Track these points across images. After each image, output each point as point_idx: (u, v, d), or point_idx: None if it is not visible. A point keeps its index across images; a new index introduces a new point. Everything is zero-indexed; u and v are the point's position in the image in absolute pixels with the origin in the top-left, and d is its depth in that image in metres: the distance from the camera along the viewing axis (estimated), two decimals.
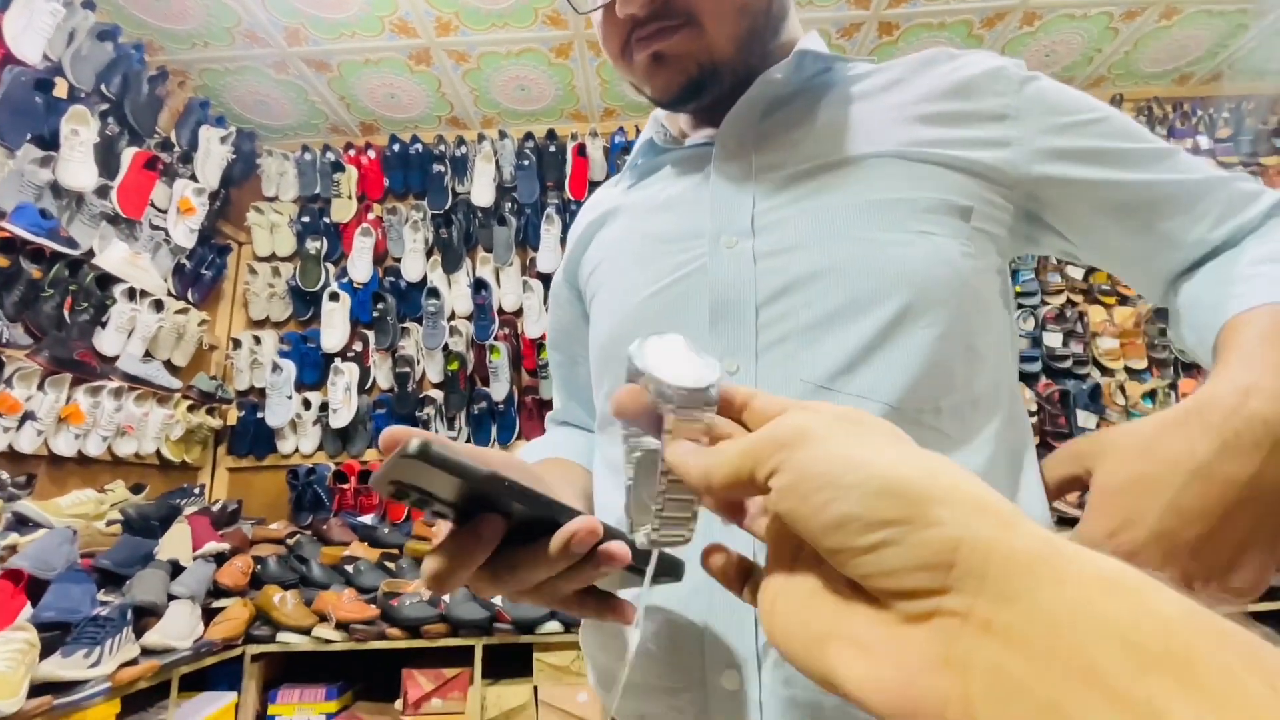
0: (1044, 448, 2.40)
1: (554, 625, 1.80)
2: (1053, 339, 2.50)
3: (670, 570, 0.35)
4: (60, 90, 1.88)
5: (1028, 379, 2.49)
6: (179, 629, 1.65)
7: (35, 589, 1.47)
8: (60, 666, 1.35)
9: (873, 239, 0.45)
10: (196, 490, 2.27)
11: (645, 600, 0.31)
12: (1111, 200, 0.48)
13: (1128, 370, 2.52)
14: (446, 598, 1.83)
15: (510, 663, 1.87)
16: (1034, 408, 2.43)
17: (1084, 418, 2.40)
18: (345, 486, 2.44)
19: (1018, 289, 2.49)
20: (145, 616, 1.62)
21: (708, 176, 0.52)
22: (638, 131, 2.77)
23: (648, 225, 0.55)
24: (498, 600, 1.83)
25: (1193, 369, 2.49)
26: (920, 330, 0.44)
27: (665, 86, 0.52)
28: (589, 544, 0.30)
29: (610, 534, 0.31)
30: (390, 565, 2.06)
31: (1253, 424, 0.34)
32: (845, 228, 0.46)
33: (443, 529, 0.32)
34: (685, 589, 0.40)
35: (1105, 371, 2.54)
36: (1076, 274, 2.58)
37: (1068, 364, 2.48)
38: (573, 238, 0.65)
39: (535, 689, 1.81)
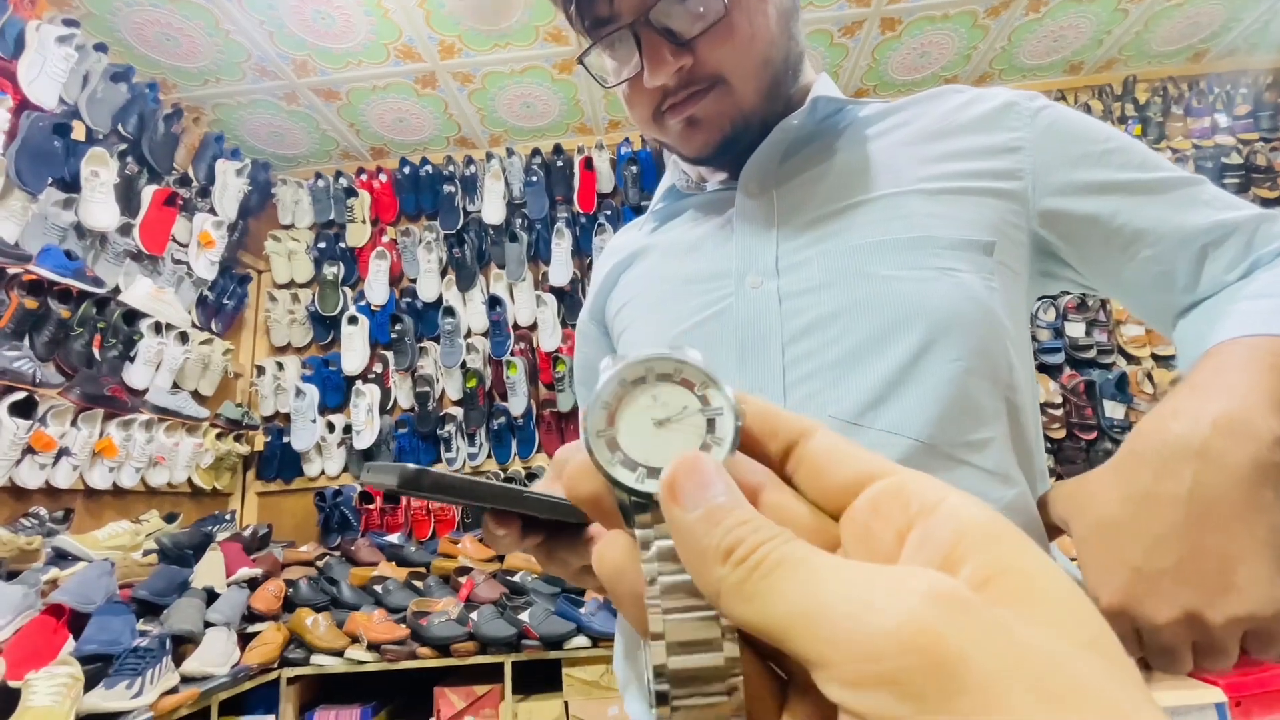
0: (1070, 440, 2.36)
1: (581, 640, 1.80)
2: (1075, 329, 2.46)
3: None
4: (78, 133, 1.93)
5: (1051, 370, 2.45)
6: (216, 655, 1.68)
7: (76, 622, 1.51)
8: (104, 699, 1.39)
9: (894, 276, 0.46)
10: (228, 516, 2.32)
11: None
12: (1125, 235, 0.48)
13: (1154, 357, 2.46)
14: (474, 616, 1.84)
15: (540, 678, 1.88)
16: (1058, 399, 2.38)
17: (1111, 408, 2.35)
18: (371, 507, 2.48)
19: None
20: (183, 644, 1.66)
21: (730, 219, 0.54)
22: (643, 142, 2.77)
23: (673, 266, 0.57)
24: (525, 618, 1.84)
25: None
26: (945, 364, 0.44)
27: (702, 147, 0.53)
28: None
29: None
30: (418, 584, 2.08)
31: (1174, 444, 0.35)
32: (867, 266, 0.47)
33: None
34: None
35: (1131, 359, 2.48)
36: None
37: (1092, 354, 2.43)
38: (598, 278, 0.66)
39: (565, 704, 1.82)
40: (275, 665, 1.83)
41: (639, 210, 2.67)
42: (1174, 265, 0.47)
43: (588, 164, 2.71)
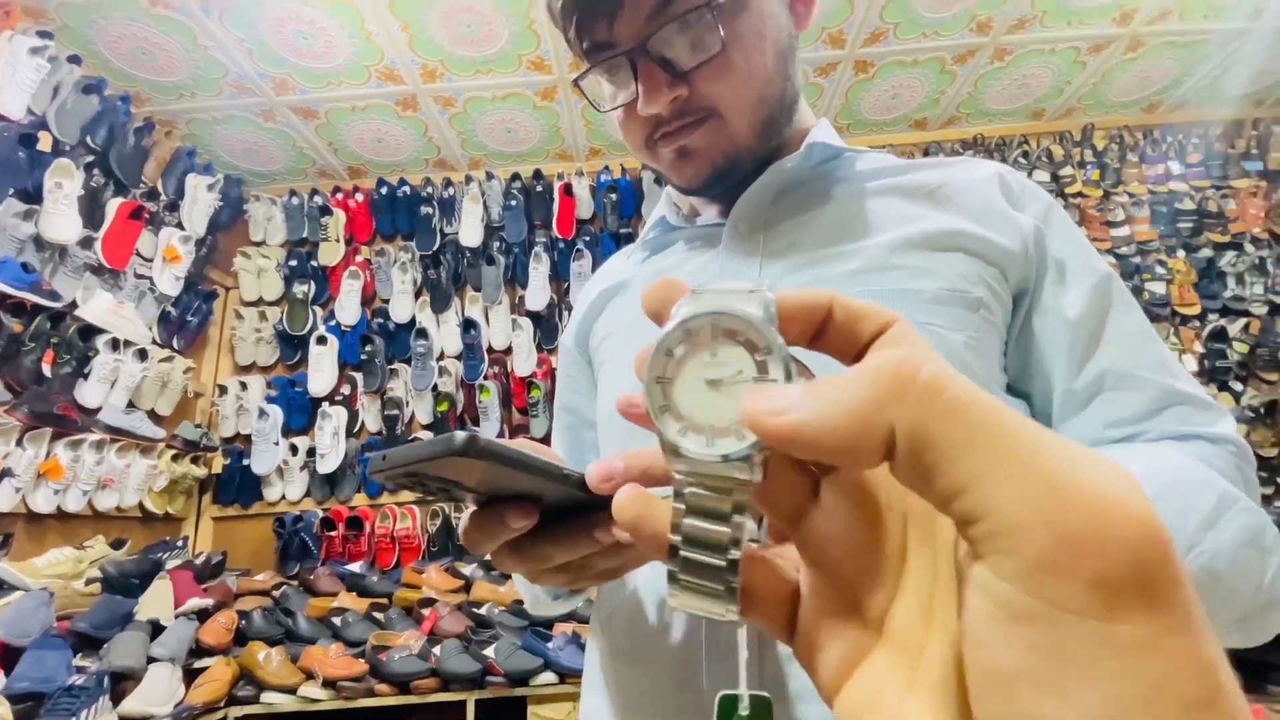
0: None
1: (548, 677, 1.75)
2: None
3: None
4: (44, 144, 1.88)
5: None
6: (158, 694, 1.59)
7: (9, 656, 1.42)
8: None
9: None
10: (179, 543, 2.22)
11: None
12: (1075, 357, 0.47)
13: None
14: (437, 650, 1.78)
15: (504, 717, 1.81)
16: None
17: None
18: (333, 534, 2.39)
19: None
20: (124, 681, 1.56)
21: (718, 256, 0.53)
22: (623, 170, 2.80)
23: None
24: (490, 653, 1.78)
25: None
26: None
27: (692, 178, 0.53)
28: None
29: None
30: (379, 616, 2.00)
31: None
32: None
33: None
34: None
35: None
36: None
37: None
38: (584, 303, 0.65)
39: None
40: (222, 704, 1.74)
41: (617, 237, 2.68)
42: (1095, 404, 0.46)
43: (567, 190, 2.72)
